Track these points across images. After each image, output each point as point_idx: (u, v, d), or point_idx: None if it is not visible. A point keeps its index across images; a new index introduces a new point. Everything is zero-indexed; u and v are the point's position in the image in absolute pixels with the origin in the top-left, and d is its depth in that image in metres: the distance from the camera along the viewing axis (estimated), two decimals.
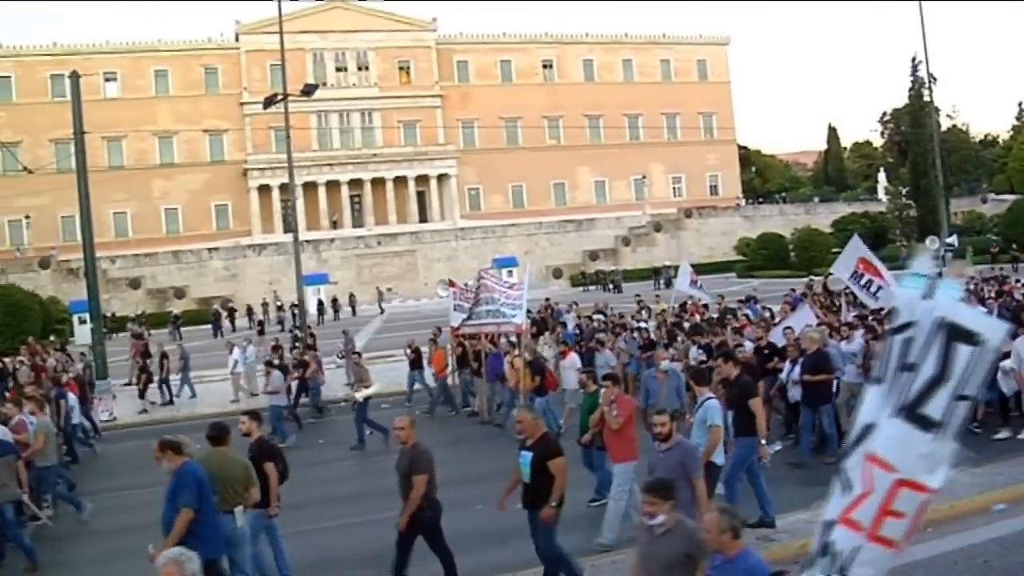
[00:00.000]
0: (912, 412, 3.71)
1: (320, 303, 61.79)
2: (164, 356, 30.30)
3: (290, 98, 35.85)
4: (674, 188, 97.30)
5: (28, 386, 20.92)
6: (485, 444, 19.55)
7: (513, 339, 21.68)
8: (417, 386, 25.49)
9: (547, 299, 39.81)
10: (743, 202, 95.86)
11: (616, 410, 12.02)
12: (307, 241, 52.75)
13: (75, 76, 33.96)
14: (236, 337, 37.07)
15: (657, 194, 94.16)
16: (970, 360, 3.56)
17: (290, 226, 50.19)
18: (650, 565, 6.69)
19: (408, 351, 25.96)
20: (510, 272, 70.25)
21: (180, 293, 71.17)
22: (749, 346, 17.94)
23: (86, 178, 33.43)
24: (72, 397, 21.61)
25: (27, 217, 77.37)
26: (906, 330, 3.81)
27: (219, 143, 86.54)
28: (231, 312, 61.88)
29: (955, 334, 3.57)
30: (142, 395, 29.11)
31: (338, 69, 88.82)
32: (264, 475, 10.65)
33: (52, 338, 37.16)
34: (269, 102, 36.48)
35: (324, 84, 74.47)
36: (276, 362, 23.99)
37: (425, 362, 25.27)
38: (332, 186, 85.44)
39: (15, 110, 79.66)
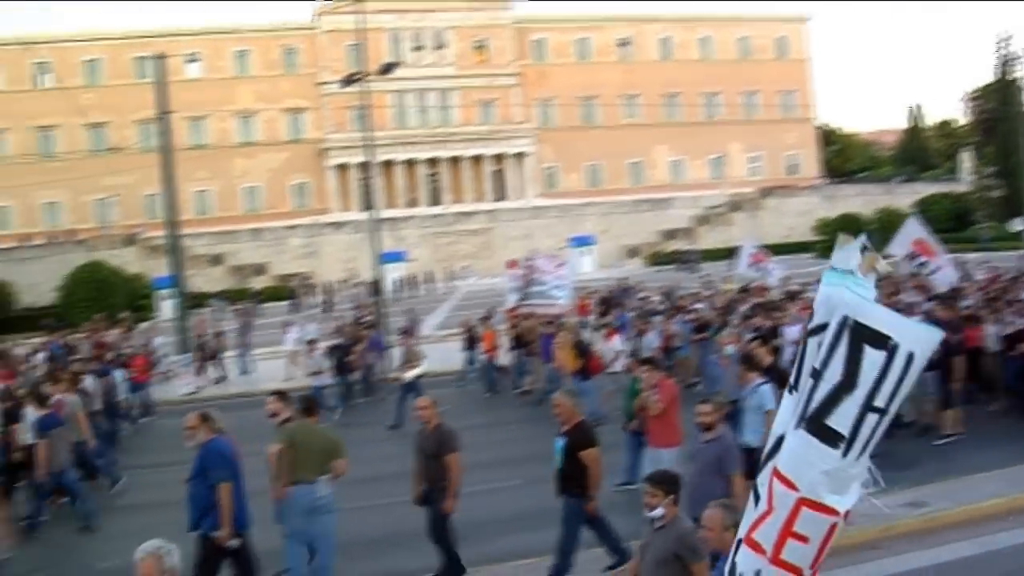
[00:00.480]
0: (816, 423, 3.31)
1: (398, 280, 62.38)
2: (218, 334, 30.92)
3: (368, 77, 36.15)
4: (752, 167, 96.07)
5: (75, 363, 21.76)
6: (530, 426, 19.24)
7: (570, 320, 21.79)
8: (473, 365, 25.65)
9: (620, 279, 39.65)
10: (823, 181, 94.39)
11: (657, 395, 11.89)
12: (384, 219, 53.14)
13: (160, 58, 34.79)
14: (298, 316, 37.49)
15: (734, 173, 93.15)
16: (882, 367, 3.15)
17: (367, 204, 50.69)
18: (645, 558, 6.55)
19: (463, 331, 26.15)
20: (581, 252, 70.56)
21: (260, 270, 72.42)
22: (794, 331, 16.85)
23: (171, 158, 34.26)
24: (119, 374, 22.18)
25: (113, 196, 79.31)
26: (821, 332, 3.43)
27: (298, 122, 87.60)
28: (309, 289, 62.79)
29: (862, 336, 3.19)
30: (200, 372, 29.57)
31: (415, 48, 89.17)
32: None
33: (123, 315, 37.94)
34: (348, 81, 36.82)
35: (401, 63, 75.03)
36: (332, 342, 24.45)
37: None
38: (409, 165, 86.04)
39: (104, 92, 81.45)
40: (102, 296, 52.77)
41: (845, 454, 3.26)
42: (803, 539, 3.44)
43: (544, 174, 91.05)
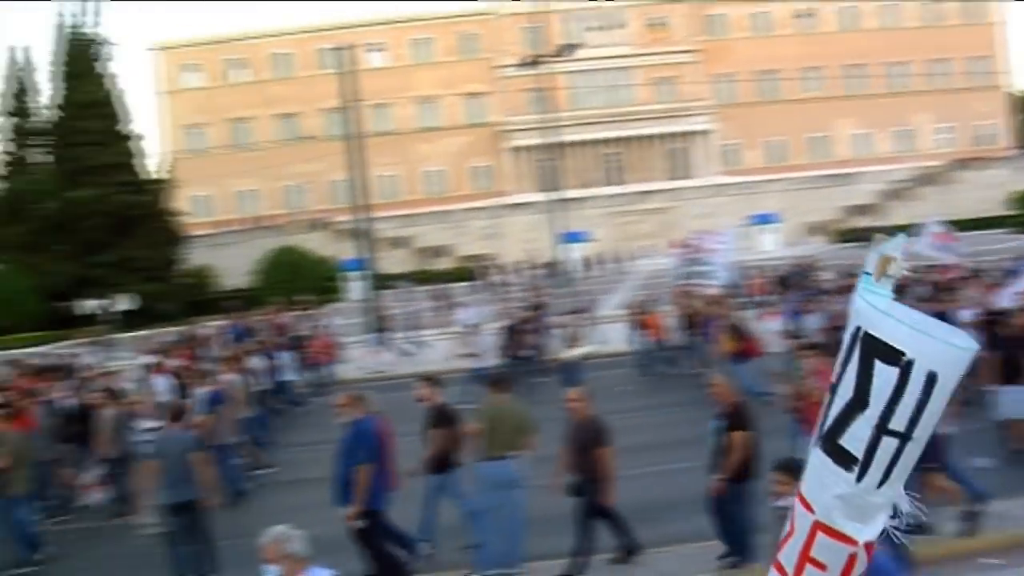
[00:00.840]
0: (830, 442, 3.02)
1: (580, 261, 62.79)
2: (387, 316, 31.75)
3: (545, 59, 36.55)
4: (940, 139, 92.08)
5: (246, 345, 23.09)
6: (699, 408, 19.00)
7: (727, 300, 21.52)
8: (637, 347, 25.00)
9: (801, 257, 38.86)
10: (1017, 152, 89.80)
11: (816, 380, 11.30)
12: (564, 200, 53.51)
13: (345, 49, 36.06)
14: (470, 297, 37.99)
15: (923, 146, 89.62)
16: (896, 386, 2.78)
17: (547, 186, 51.20)
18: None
19: (630, 312, 25.74)
20: (763, 230, 69.31)
21: (443, 252, 74.07)
22: (967, 315, 15.75)
23: (358, 145, 35.51)
24: (287, 355, 23.35)
25: (304, 183, 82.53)
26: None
27: (477, 106, 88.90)
28: (491, 270, 63.91)
29: (873, 349, 2.85)
30: (383, 351, 30.40)
31: (591, 28, 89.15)
32: (439, 438, 11.05)
33: (302, 297, 39.63)
34: (529, 64, 37.39)
35: (578, 44, 75.25)
36: (503, 323, 24.59)
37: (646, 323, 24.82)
38: (588, 145, 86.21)
39: (293, 84, 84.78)
40: (294, 278, 55.25)
41: (860, 479, 2.91)
42: (821, 566, 3.15)
43: (724, 151, 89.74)
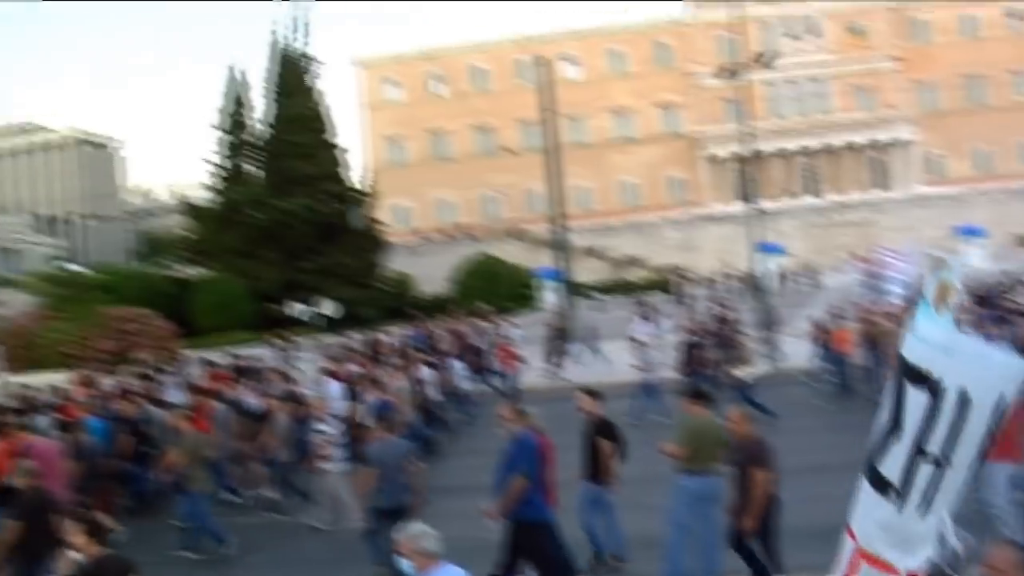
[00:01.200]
0: (871, 469, 2.93)
1: (776, 273, 61.62)
2: (561, 327, 31.68)
3: (743, 68, 36.20)
4: None
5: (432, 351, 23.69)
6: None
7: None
8: (819, 365, 24.21)
9: (1009, 272, 37.03)
10: None
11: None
12: (761, 211, 52.68)
13: (542, 64, 36.60)
14: (652, 310, 37.57)
15: None
16: (928, 409, 2.67)
17: (743, 196, 50.60)
18: None
19: (814, 329, 24.91)
20: (969, 244, 66.25)
21: (637, 262, 73.99)
22: None
23: (556, 156, 35.96)
24: (458, 364, 23.80)
25: (499, 193, 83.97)
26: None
27: (672, 117, 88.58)
28: (685, 281, 63.45)
29: (905, 372, 2.76)
30: (553, 362, 30.33)
31: (789, 36, 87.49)
32: (596, 450, 11.11)
33: (484, 306, 40.24)
34: (727, 73, 37.09)
35: (776, 53, 74.04)
36: (685, 338, 24.00)
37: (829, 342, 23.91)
38: (785, 155, 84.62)
39: (490, 96, 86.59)
40: (490, 286, 56.25)
41: (901, 509, 2.80)
42: None
43: (927, 161, 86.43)
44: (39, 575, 9.16)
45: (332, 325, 45.36)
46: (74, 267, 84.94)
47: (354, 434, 15.63)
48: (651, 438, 18.11)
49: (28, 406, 18.87)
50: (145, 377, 23.62)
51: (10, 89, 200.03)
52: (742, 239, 54.10)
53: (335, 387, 18.64)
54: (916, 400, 2.69)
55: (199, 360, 29.58)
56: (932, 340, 2.63)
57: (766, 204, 74.67)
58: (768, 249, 60.56)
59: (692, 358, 23.19)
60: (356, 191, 62.65)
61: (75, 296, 55.70)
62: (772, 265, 62.39)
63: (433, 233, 78.98)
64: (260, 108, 62.55)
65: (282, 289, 54.75)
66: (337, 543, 13.43)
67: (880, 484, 2.83)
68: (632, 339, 24.90)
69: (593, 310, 44.15)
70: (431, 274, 64.09)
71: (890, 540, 2.84)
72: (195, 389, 20.05)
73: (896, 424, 2.75)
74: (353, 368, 21.59)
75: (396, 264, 64.43)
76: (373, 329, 39.58)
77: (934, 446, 2.69)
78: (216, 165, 62.04)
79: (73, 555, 7.49)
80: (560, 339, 31.25)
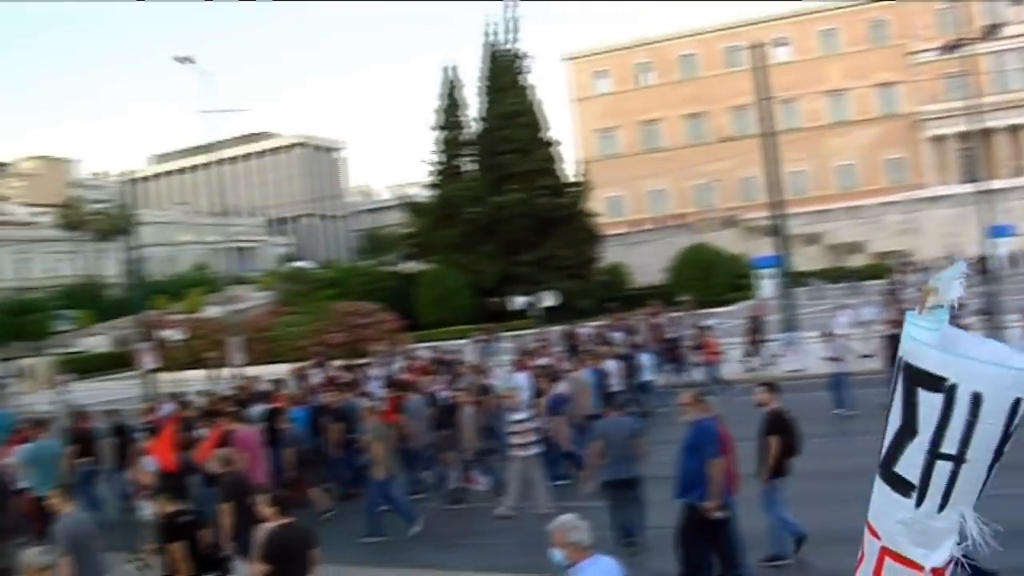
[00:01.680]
0: (887, 469, 2.99)
1: (1006, 257, 58.81)
2: (758, 317, 31.04)
3: (966, 41, 34.93)
4: None
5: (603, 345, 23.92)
6: None
7: None
8: None
9: None
10: None
11: None
12: (988, 191, 50.38)
13: (755, 47, 36.33)
14: (855, 299, 36.30)
15: None
16: (943, 410, 2.76)
17: (969, 176, 48.65)
18: None
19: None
20: None
21: (856, 248, 71.99)
22: None
23: (772, 142, 35.62)
24: (646, 357, 23.84)
25: (713, 181, 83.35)
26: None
27: (889, 96, 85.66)
28: (908, 267, 61.40)
29: (915, 379, 2.83)
30: (750, 353, 29.95)
31: (1015, 2, 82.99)
32: (767, 446, 11.24)
33: (684, 298, 39.90)
34: (949, 48, 35.91)
35: (1002, 23, 70.48)
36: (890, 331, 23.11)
37: None
38: (1014, 131, 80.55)
39: (699, 84, 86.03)
40: (706, 276, 56.11)
41: (919, 504, 2.90)
42: None
43: None
44: (242, 549, 10.17)
45: (551, 317, 46.26)
46: (303, 265, 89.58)
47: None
48: (834, 431, 17.88)
49: (247, 396, 20.77)
50: (353, 369, 25.22)
51: (242, 99, 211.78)
52: (968, 221, 52.06)
53: (521, 379, 19.24)
54: (930, 403, 2.78)
55: (402, 354, 31.11)
56: (942, 345, 2.75)
57: (994, 183, 71.62)
58: (997, 231, 57.90)
59: (895, 350, 22.20)
60: (570, 184, 63.54)
61: (305, 292, 58.95)
62: (1002, 248, 59.58)
63: (646, 223, 79.11)
64: (474, 106, 64.30)
65: (500, 282, 56.21)
66: (522, 528, 13.88)
67: (899, 484, 2.91)
68: (825, 331, 24.31)
69: (811, 298, 43.28)
70: (646, 264, 64.34)
71: (912, 537, 2.94)
72: (393, 382, 21.44)
73: (910, 428, 2.83)
74: (541, 361, 22.20)
75: (610, 255, 64.95)
76: (590, 320, 40.23)
77: (950, 445, 2.77)
78: (434, 163, 64.16)
79: (264, 526, 8.72)
80: (758, 330, 30.89)
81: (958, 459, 2.79)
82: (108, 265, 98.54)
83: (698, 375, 26.89)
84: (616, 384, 20.98)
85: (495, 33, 63.09)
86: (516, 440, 14.81)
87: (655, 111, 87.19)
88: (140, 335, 44.06)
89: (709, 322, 31.74)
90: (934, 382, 2.76)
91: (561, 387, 17.47)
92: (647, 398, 23.59)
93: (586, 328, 34.54)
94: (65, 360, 57.79)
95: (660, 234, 71.82)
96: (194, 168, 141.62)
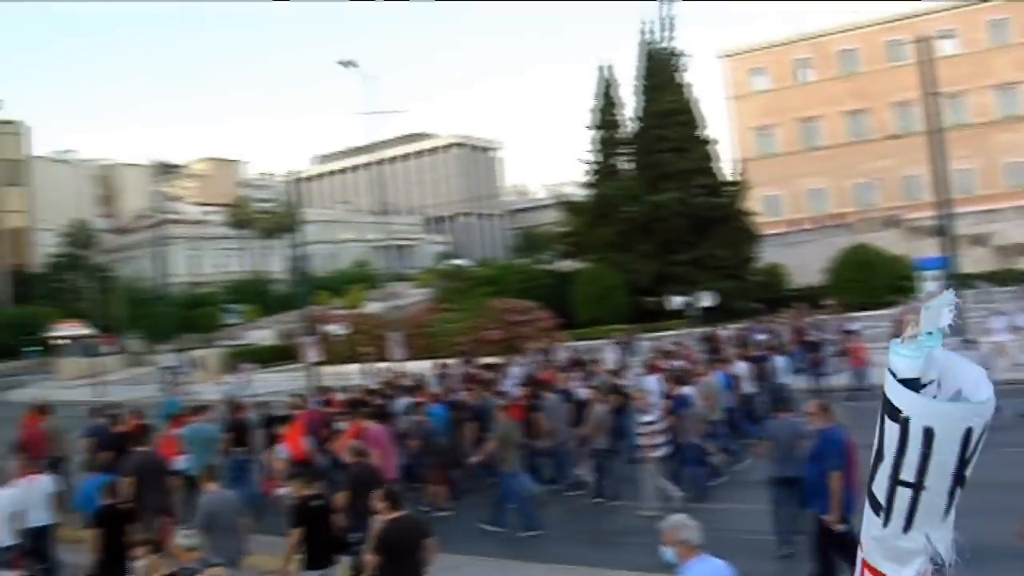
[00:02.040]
0: (867, 487, 3.03)
1: None
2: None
3: None
4: None
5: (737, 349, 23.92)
6: None
7: None
8: None
9: None
10: None
11: None
12: None
13: (920, 41, 35.64)
14: (1012, 303, 35.02)
15: None
16: (900, 439, 2.81)
17: None
18: None
19: None
20: None
21: None
22: None
23: (940, 138, 34.90)
24: (781, 360, 23.67)
25: (873, 180, 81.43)
26: None
27: None
28: None
29: (884, 404, 2.82)
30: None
31: None
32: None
33: (829, 301, 39.11)
34: None
35: None
36: None
37: None
38: None
39: (860, 79, 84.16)
40: (867, 277, 55.00)
41: (886, 524, 2.95)
42: None
43: None
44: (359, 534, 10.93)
45: (708, 317, 46.17)
46: (460, 262, 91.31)
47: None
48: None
49: (393, 390, 21.71)
50: (493, 368, 26.02)
51: (401, 100, 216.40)
52: None
53: (652, 380, 19.47)
54: (891, 433, 2.81)
55: (544, 353, 31.74)
56: (904, 376, 2.80)
57: None
58: None
59: None
60: (728, 183, 63.16)
61: (462, 289, 60.23)
62: None
63: (805, 223, 77.89)
64: (630, 105, 64.52)
65: (655, 281, 56.29)
66: (647, 526, 13.83)
67: (873, 502, 2.96)
68: (966, 337, 23.43)
69: (979, 302, 42.09)
70: (804, 265, 63.44)
71: (884, 553, 3.00)
72: (528, 380, 22.07)
73: (879, 452, 2.87)
74: (675, 363, 22.31)
75: (768, 255, 64.27)
76: (747, 321, 40.08)
77: (908, 473, 2.83)
78: (590, 162, 64.62)
79: (377, 519, 9.36)
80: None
81: (916, 487, 2.84)
82: (274, 261, 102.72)
83: (840, 380, 26.72)
84: (748, 387, 21.24)
85: (651, 32, 63.23)
86: (643, 441, 15.28)
87: (814, 108, 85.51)
88: (305, 329, 45.83)
89: (855, 326, 31.37)
90: (894, 412, 2.79)
91: (685, 389, 17.71)
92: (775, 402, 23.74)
93: (727, 330, 34.57)
94: (234, 352, 60.42)
95: (819, 234, 70.61)
96: (355, 168, 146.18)
